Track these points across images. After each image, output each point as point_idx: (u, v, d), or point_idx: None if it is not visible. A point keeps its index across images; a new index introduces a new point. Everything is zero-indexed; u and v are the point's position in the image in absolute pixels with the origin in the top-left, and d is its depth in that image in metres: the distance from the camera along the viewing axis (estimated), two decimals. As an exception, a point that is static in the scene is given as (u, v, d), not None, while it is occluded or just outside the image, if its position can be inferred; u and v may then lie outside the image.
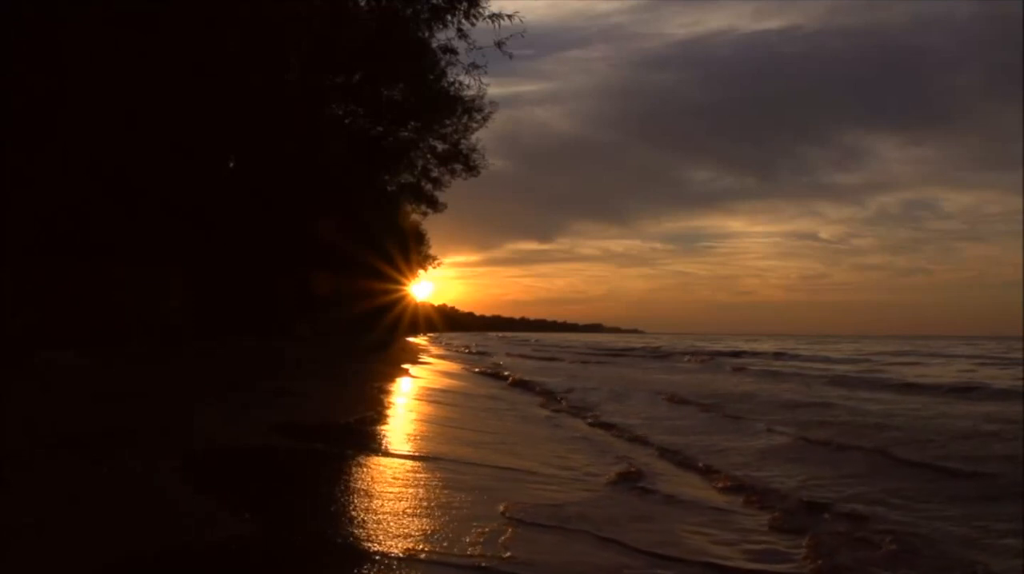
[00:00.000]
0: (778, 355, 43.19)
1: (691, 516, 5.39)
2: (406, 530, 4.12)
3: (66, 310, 14.00)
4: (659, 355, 44.62)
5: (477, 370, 23.39)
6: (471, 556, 3.82)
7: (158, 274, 17.07)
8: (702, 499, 6.04)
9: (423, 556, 3.74)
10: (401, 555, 3.71)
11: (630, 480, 6.42)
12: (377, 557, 3.66)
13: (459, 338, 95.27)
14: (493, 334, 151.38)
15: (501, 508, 4.89)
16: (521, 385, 17.82)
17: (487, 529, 4.34)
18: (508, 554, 3.92)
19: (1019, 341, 70.90)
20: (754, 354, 44.34)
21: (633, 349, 56.03)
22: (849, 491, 6.47)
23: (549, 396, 15.27)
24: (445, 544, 3.96)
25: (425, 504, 4.79)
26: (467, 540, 4.07)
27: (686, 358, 39.14)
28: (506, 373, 21.40)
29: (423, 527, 4.22)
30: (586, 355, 44.05)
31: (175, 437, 6.27)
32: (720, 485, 6.60)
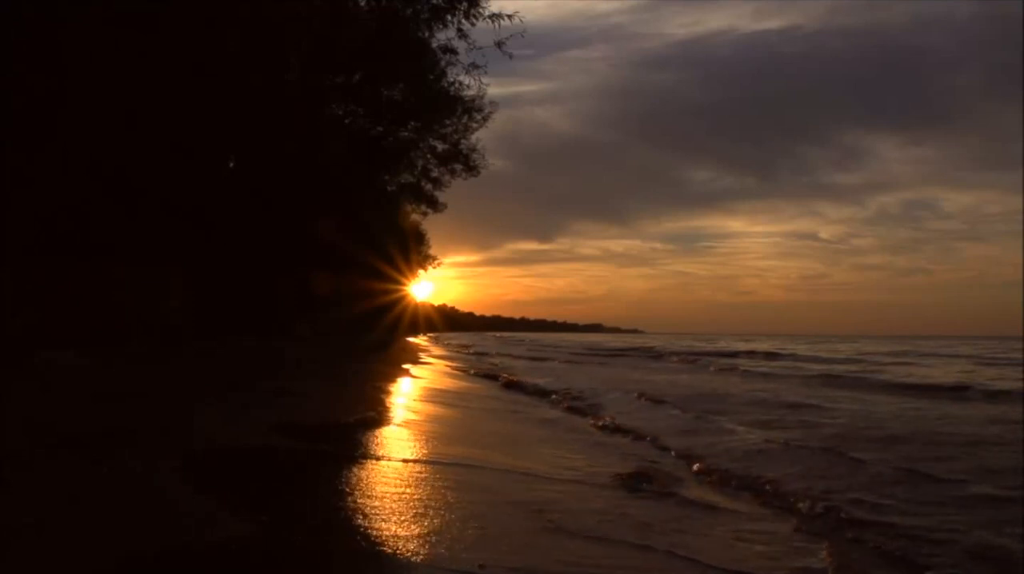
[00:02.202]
0: (771, 355, 43.32)
1: (715, 520, 5.39)
2: (413, 532, 4.08)
3: (66, 310, 14.00)
4: (650, 355, 44.77)
5: (475, 371, 23.40)
6: (511, 568, 3.75)
7: (158, 274, 17.06)
8: (717, 502, 6.03)
9: (434, 560, 3.71)
10: (409, 559, 3.69)
11: (644, 481, 6.43)
12: (381, 559, 3.65)
13: (459, 338, 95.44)
14: (491, 334, 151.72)
15: (529, 513, 4.84)
16: (515, 386, 17.84)
17: (519, 537, 4.32)
18: (556, 565, 3.91)
19: (1019, 341, 70.91)
20: (749, 354, 44.45)
21: (625, 349, 56.34)
22: (851, 493, 6.46)
23: (543, 396, 15.29)
24: (462, 549, 3.92)
25: (431, 506, 4.75)
26: (500, 547, 4.04)
27: (673, 359, 39.30)
28: (498, 374, 21.45)
29: (432, 529, 4.18)
30: (576, 356, 44.23)
31: (175, 437, 6.27)
32: (729, 486, 6.59)
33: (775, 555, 4.61)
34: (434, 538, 4.02)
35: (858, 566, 4.44)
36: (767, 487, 6.45)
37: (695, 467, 7.50)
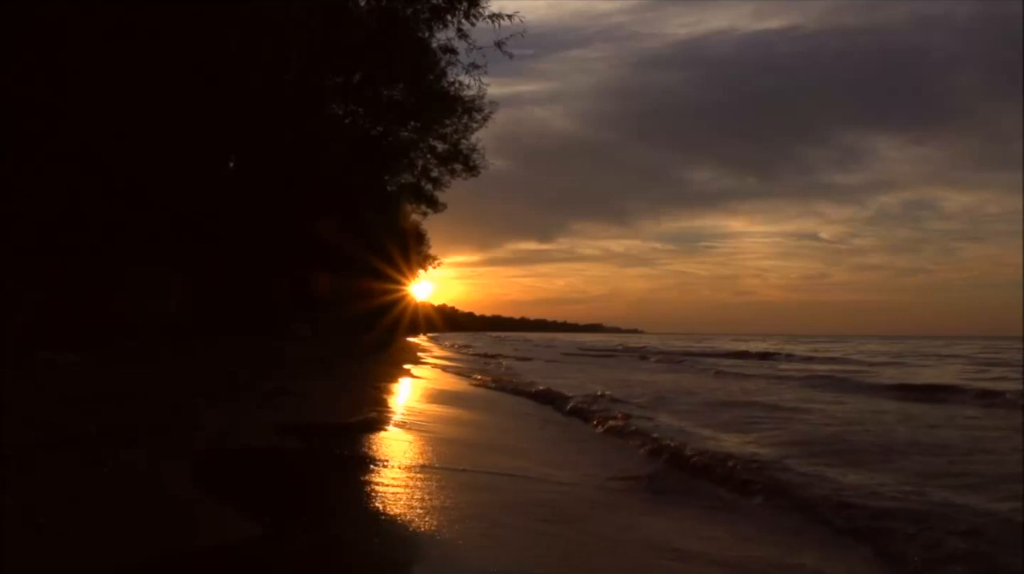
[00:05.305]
0: (767, 355, 43.34)
1: (736, 523, 5.38)
2: (423, 535, 4.05)
3: (66, 310, 13.98)
4: (640, 356, 44.85)
5: (474, 371, 23.37)
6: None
7: (158, 274, 17.05)
8: (734, 504, 6.00)
9: (447, 563, 3.70)
10: (419, 561, 3.68)
11: (660, 483, 6.41)
12: (391, 561, 3.63)
13: (458, 338, 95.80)
14: (491, 334, 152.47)
15: (542, 515, 4.84)
16: (514, 388, 17.80)
17: (531, 540, 4.30)
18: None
19: (1019, 341, 70.94)
20: (743, 355, 44.45)
21: (616, 350, 56.64)
22: (854, 496, 6.41)
23: (541, 397, 15.24)
24: (474, 552, 3.88)
25: (439, 508, 4.71)
26: (514, 551, 4.01)
27: (654, 359, 39.34)
28: (497, 375, 21.42)
29: (442, 532, 4.14)
30: (568, 356, 44.44)
31: (176, 437, 6.24)
32: (740, 487, 6.53)
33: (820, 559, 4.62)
34: (444, 541, 3.99)
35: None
36: (776, 488, 6.38)
37: (701, 468, 7.44)
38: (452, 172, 26.65)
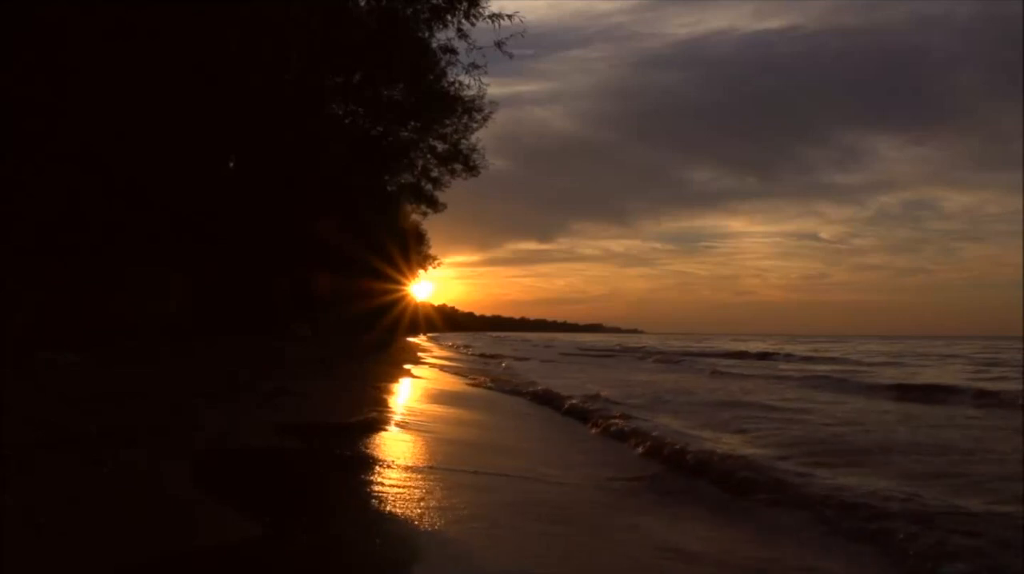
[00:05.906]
0: (765, 355, 43.31)
1: (735, 522, 5.39)
2: (426, 536, 4.04)
3: (66, 310, 13.97)
4: (638, 356, 44.79)
5: (473, 371, 23.35)
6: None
7: (158, 274, 17.05)
8: (741, 505, 6.00)
9: (451, 564, 3.69)
10: (423, 562, 3.67)
11: (663, 484, 6.40)
12: (392, 563, 3.63)
13: (458, 338, 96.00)
14: (491, 334, 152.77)
15: (546, 516, 4.85)
16: (513, 388, 17.77)
17: (538, 540, 4.29)
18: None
19: (1019, 341, 70.98)
20: (741, 355, 44.37)
21: (614, 350, 56.69)
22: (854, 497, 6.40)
23: (539, 398, 15.22)
24: (478, 553, 3.87)
25: (441, 508, 4.70)
26: (521, 552, 4.00)
27: (652, 359, 39.29)
28: (497, 376, 21.39)
29: (444, 533, 4.13)
30: (565, 356, 44.39)
31: (176, 437, 6.23)
32: (732, 484, 6.51)
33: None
34: (444, 541, 3.99)
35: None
36: (777, 488, 6.36)
37: (700, 468, 7.42)
38: (452, 172, 26.67)
